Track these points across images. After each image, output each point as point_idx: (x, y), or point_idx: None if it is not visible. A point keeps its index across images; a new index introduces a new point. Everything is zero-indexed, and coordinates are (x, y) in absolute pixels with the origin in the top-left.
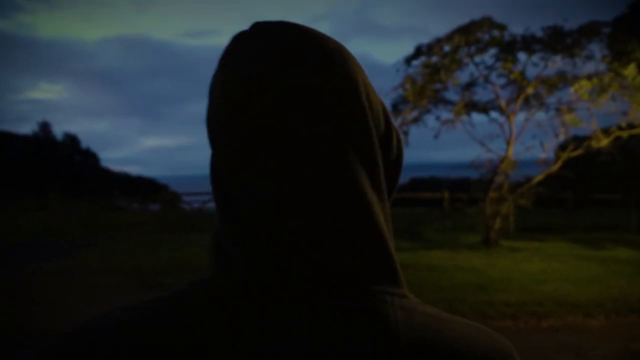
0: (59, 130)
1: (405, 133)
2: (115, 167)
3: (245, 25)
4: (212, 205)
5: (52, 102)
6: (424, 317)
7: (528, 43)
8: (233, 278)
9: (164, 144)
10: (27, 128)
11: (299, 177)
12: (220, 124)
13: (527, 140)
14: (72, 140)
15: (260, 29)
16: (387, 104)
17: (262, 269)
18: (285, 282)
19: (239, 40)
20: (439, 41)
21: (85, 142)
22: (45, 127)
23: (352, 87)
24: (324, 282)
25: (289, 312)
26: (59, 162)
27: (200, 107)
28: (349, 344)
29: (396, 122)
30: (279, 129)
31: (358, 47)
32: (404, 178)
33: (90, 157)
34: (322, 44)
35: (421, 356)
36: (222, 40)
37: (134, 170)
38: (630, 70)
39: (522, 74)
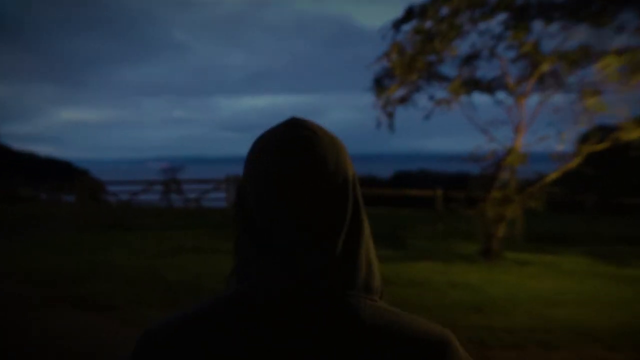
0: None
1: (390, 115)
2: (19, 145)
3: None
4: (145, 197)
5: None
6: (385, 311)
7: (545, 9)
8: (261, 299)
9: (85, 118)
10: None
11: (309, 235)
12: (249, 197)
13: (541, 128)
14: None
15: (286, 127)
16: (369, 77)
17: (284, 293)
18: (296, 299)
19: (271, 134)
20: (434, 2)
21: None
22: None
23: (341, 180)
24: (322, 296)
25: (300, 319)
26: None
27: (135, 73)
28: (332, 327)
29: (379, 103)
30: (290, 198)
31: (336, 8)
32: (387, 171)
33: None
34: (329, 150)
35: (380, 336)
36: None
37: (43, 150)
38: None
39: (537, 46)
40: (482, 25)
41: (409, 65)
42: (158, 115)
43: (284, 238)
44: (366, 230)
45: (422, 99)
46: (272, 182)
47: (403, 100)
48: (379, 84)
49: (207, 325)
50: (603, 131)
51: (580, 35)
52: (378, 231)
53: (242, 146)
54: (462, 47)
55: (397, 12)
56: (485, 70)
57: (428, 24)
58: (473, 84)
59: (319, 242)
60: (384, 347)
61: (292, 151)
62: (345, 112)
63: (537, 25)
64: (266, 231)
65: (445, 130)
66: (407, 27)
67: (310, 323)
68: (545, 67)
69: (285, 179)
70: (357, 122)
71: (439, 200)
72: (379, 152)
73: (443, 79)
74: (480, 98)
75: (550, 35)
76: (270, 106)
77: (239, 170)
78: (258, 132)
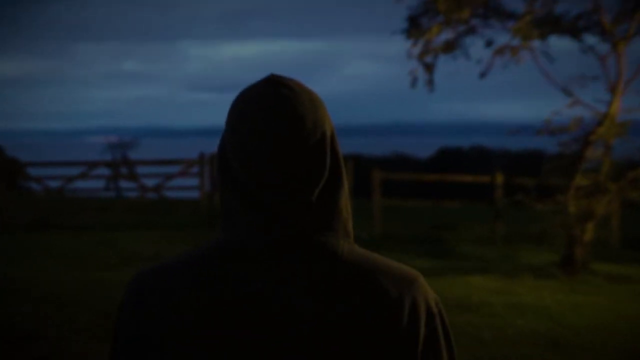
0: None
1: (430, 67)
2: None
3: None
4: (83, 185)
5: None
6: (361, 251)
7: None
8: (246, 247)
9: None
10: None
11: (290, 187)
12: (230, 152)
13: None
14: None
15: (272, 85)
16: (401, 15)
17: (268, 240)
18: (280, 245)
19: (258, 94)
20: None
21: None
22: None
23: (318, 137)
24: (305, 241)
25: (285, 258)
26: None
27: (71, 11)
28: (315, 263)
29: (414, 51)
30: (271, 154)
31: None
32: (426, 148)
33: None
34: (307, 106)
35: (357, 271)
36: None
37: None
38: None
39: None
40: None
41: None
42: (101, 69)
43: (266, 191)
44: (345, 183)
45: (476, 46)
46: (254, 140)
47: (449, 47)
48: (415, 24)
49: (196, 271)
50: None
51: None
52: (413, 232)
53: (220, 112)
54: None
55: None
56: (568, 4)
57: None
58: (550, 24)
59: (300, 193)
60: (360, 280)
61: (272, 110)
62: (365, 64)
63: None
64: (248, 185)
65: (508, 90)
66: None
67: (293, 264)
68: None
69: (266, 137)
70: (381, 79)
71: (499, 190)
72: (415, 120)
73: (507, 16)
74: (560, 44)
75: None
76: (260, 56)
77: (215, 144)
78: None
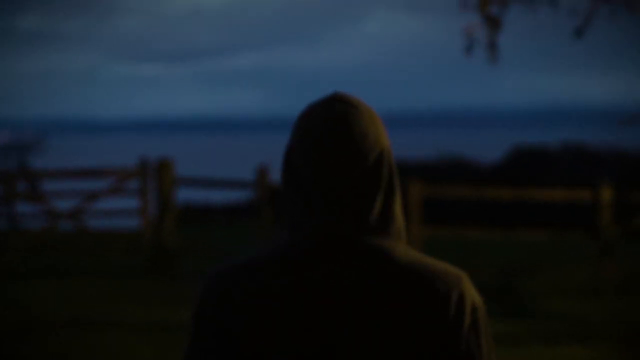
0: None
1: (494, 23)
2: None
3: None
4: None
5: None
6: (414, 252)
7: None
8: (305, 246)
9: None
10: None
11: (351, 196)
12: (297, 162)
13: None
14: None
15: (337, 102)
16: None
17: (332, 242)
18: (348, 248)
19: (323, 110)
20: None
21: None
22: None
23: (381, 151)
24: (366, 244)
25: (349, 259)
26: None
27: None
28: (375, 263)
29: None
30: (324, 169)
31: None
32: (494, 149)
33: None
34: (368, 124)
35: (410, 271)
36: None
37: None
38: None
39: None
40: None
41: None
42: None
43: (330, 199)
44: (398, 194)
45: None
46: (321, 155)
47: None
48: None
49: (268, 269)
50: None
51: None
52: (474, 278)
53: (174, 94)
54: None
55: None
56: None
57: None
58: None
59: (360, 202)
60: (414, 278)
61: (338, 127)
62: (396, 18)
63: None
64: (314, 194)
65: (609, 60)
66: None
67: (357, 264)
68: None
69: (332, 153)
70: (420, 40)
71: (606, 212)
72: (471, 105)
73: None
74: None
75: None
76: (229, 7)
77: (164, 143)
78: (212, 66)
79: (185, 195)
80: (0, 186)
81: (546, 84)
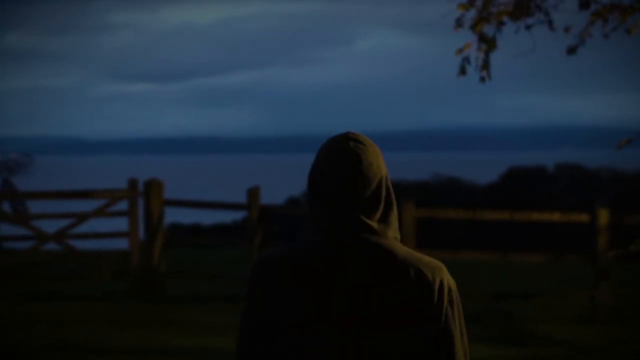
0: None
1: (488, 42)
2: None
3: None
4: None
5: None
6: (407, 249)
7: None
8: (325, 250)
9: None
10: None
11: (360, 209)
12: (321, 182)
13: None
14: None
15: (349, 140)
16: None
17: (347, 242)
18: (359, 246)
19: (337, 145)
20: None
21: None
22: None
23: (381, 178)
24: (372, 244)
25: (348, 262)
26: None
27: None
28: (379, 257)
29: (464, 16)
30: (340, 189)
31: None
32: (490, 170)
33: None
34: (372, 157)
35: (404, 262)
36: None
37: None
38: None
39: None
40: None
41: None
42: None
43: (344, 212)
44: (394, 208)
45: (559, 12)
46: (337, 180)
47: (521, 8)
48: None
49: (297, 260)
50: None
51: None
52: (468, 303)
53: (165, 115)
54: None
55: None
56: None
57: None
58: None
59: (366, 215)
60: (409, 269)
61: (349, 159)
62: (389, 36)
63: None
64: (337, 205)
65: (607, 79)
66: None
67: (366, 257)
68: None
69: (346, 179)
70: (413, 59)
71: (603, 235)
72: (465, 125)
73: None
74: None
75: None
76: (220, 24)
77: (155, 164)
78: (203, 83)
79: (174, 216)
80: (37, 204)
81: (542, 104)
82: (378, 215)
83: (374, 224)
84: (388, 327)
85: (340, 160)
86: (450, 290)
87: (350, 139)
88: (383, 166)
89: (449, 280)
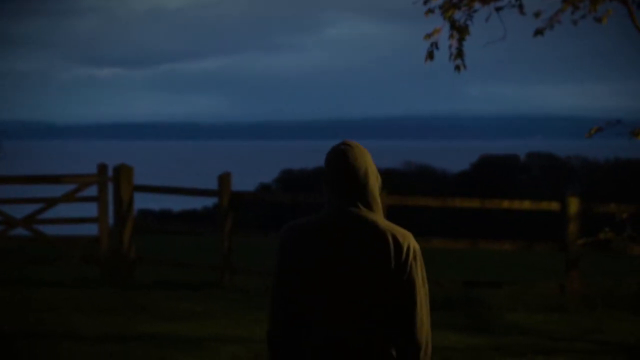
0: None
1: (459, 30)
2: None
3: None
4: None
5: None
6: (387, 222)
7: None
8: (330, 220)
9: None
10: None
11: (354, 192)
12: (326, 174)
13: None
14: None
15: (342, 145)
16: None
17: (348, 216)
18: (353, 219)
19: (335, 150)
20: None
21: None
22: None
23: (365, 169)
24: (363, 217)
25: (345, 229)
26: None
27: None
28: (367, 227)
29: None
30: (338, 179)
31: None
32: (461, 159)
33: None
34: (359, 156)
35: (384, 231)
36: None
37: None
38: None
39: None
40: None
41: None
42: None
43: (344, 194)
44: (378, 189)
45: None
46: (336, 173)
47: None
48: None
49: (314, 228)
50: None
51: None
52: (439, 291)
53: (136, 101)
54: None
55: None
56: None
57: None
58: None
59: (357, 196)
60: (387, 234)
61: (343, 158)
62: (357, 22)
63: None
64: (337, 190)
65: (580, 69)
66: None
67: (357, 227)
68: None
69: (342, 171)
70: (382, 45)
71: (573, 223)
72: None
73: None
74: None
75: None
76: (188, 8)
77: (125, 148)
78: (176, 67)
79: (144, 202)
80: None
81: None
82: (366, 197)
83: (363, 203)
84: (372, 273)
85: (335, 157)
86: (415, 250)
87: (343, 144)
88: (369, 161)
89: (414, 244)
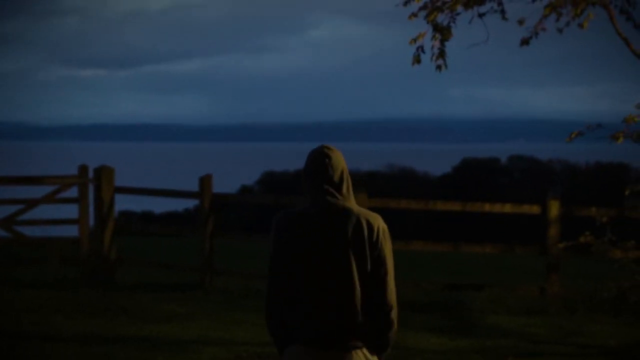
0: None
1: (443, 32)
2: None
3: None
4: None
5: None
6: (361, 208)
7: None
8: (316, 206)
9: None
10: None
11: (330, 186)
12: (307, 174)
13: None
14: None
15: (323, 148)
16: None
17: (327, 206)
18: (331, 208)
19: (316, 152)
20: None
21: None
22: None
23: (342, 168)
24: (340, 206)
25: (327, 215)
26: None
27: None
28: (343, 214)
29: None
30: (319, 176)
31: None
32: (443, 161)
33: None
34: (336, 157)
35: (358, 215)
36: None
37: None
38: None
39: None
40: None
41: None
42: None
43: (321, 189)
44: (351, 185)
45: (514, 1)
46: (315, 172)
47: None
48: None
49: (301, 216)
50: None
51: None
52: (420, 294)
53: (115, 102)
54: None
55: None
56: None
57: None
58: None
59: (335, 189)
60: (361, 218)
61: (321, 159)
62: (342, 24)
63: None
64: (316, 186)
65: (560, 72)
66: None
67: (335, 214)
68: None
69: (319, 171)
70: (367, 47)
71: (554, 227)
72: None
73: None
74: None
75: None
76: (172, 10)
77: (106, 150)
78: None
79: (125, 203)
80: None
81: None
82: (342, 190)
83: (339, 194)
84: (350, 251)
85: (319, 157)
86: (384, 230)
87: (322, 146)
88: (344, 163)
89: (383, 225)
